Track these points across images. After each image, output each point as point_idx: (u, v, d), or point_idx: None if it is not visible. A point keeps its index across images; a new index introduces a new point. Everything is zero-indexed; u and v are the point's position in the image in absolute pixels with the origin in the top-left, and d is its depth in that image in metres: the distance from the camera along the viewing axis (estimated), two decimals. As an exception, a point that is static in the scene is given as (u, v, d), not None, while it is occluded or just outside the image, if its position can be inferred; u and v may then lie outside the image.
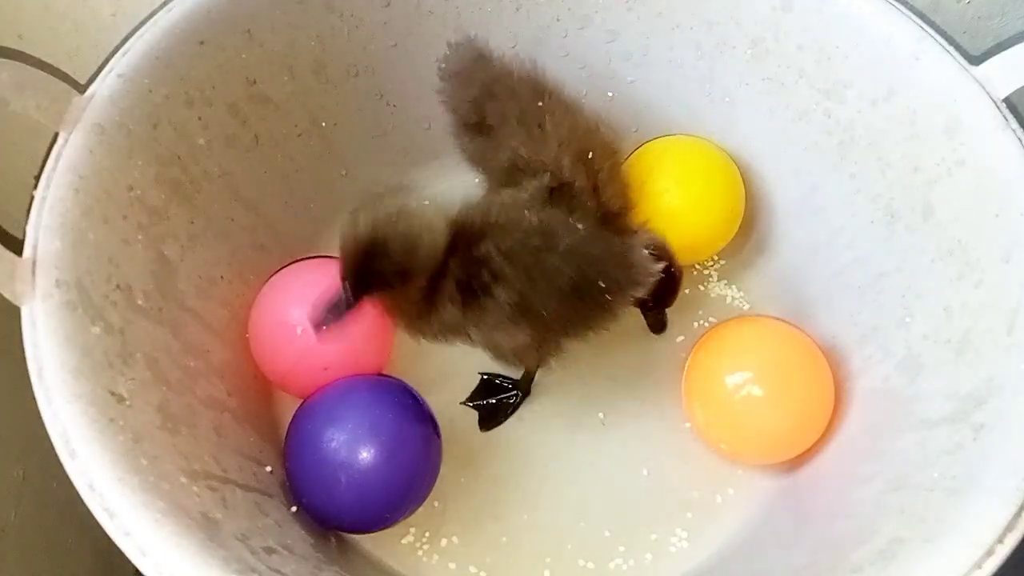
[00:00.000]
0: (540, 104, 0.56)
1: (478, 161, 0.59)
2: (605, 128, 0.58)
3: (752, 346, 0.59)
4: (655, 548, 0.58)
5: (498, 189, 0.57)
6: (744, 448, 0.59)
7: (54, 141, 0.48)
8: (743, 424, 0.57)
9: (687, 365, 0.61)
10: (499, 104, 0.56)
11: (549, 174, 0.54)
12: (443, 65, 0.59)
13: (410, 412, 0.54)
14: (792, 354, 0.58)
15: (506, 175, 0.56)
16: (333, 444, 0.52)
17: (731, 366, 0.57)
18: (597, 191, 0.55)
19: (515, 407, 0.62)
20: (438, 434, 0.56)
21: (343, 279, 0.48)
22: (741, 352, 0.59)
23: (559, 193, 0.54)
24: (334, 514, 0.53)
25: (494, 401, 0.62)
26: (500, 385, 0.63)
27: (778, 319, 0.63)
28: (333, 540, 0.56)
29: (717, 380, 0.58)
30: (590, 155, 0.55)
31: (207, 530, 0.42)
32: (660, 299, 0.58)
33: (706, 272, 0.69)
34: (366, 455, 0.51)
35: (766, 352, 0.58)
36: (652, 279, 0.53)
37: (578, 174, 0.55)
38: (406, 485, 0.53)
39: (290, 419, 0.56)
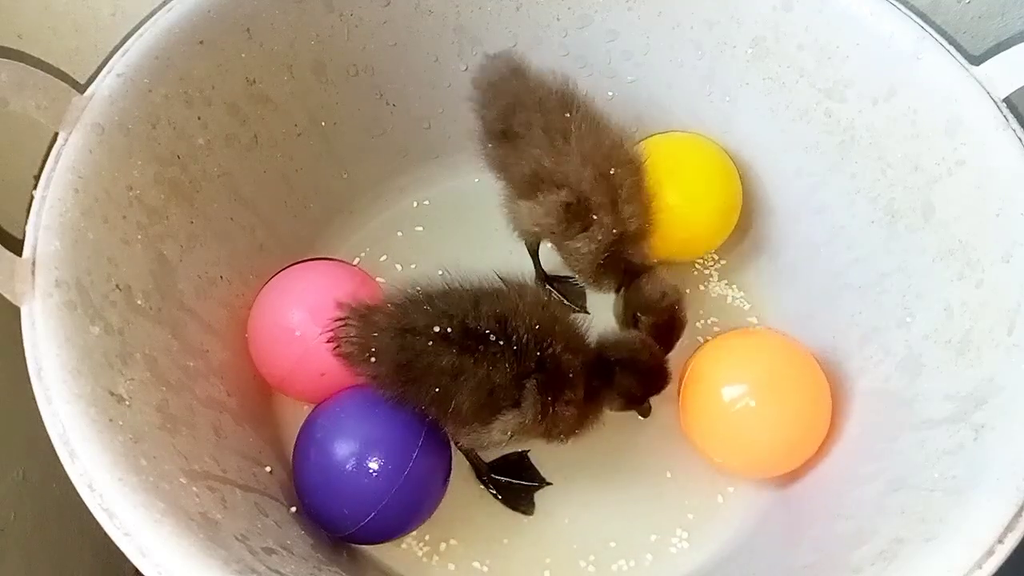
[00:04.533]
0: (567, 116, 0.55)
1: (500, 168, 0.59)
2: (630, 145, 0.57)
3: (749, 360, 0.58)
4: (655, 549, 0.58)
5: (516, 199, 0.58)
6: (739, 462, 0.58)
7: (54, 141, 0.48)
8: (739, 439, 0.56)
9: (683, 382, 0.59)
10: (526, 114, 0.56)
11: (567, 190, 0.54)
12: (477, 76, 0.59)
13: (424, 427, 0.53)
14: (789, 369, 0.57)
15: (527, 185, 0.57)
16: (344, 456, 0.51)
17: (728, 380, 0.56)
18: (616, 208, 0.55)
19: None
20: (450, 449, 0.55)
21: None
22: (737, 366, 0.57)
23: (576, 208, 0.55)
24: (342, 526, 0.52)
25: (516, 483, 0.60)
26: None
27: (775, 331, 0.62)
28: (333, 540, 0.56)
29: (714, 395, 0.56)
30: (612, 171, 0.55)
31: (207, 530, 0.42)
32: (661, 341, 0.58)
33: (706, 272, 0.69)
34: (375, 467, 0.51)
35: (763, 366, 0.57)
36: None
37: (598, 190, 0.54)
38: (416, 501, 0.53)
39: (289, 420, 0.56)
